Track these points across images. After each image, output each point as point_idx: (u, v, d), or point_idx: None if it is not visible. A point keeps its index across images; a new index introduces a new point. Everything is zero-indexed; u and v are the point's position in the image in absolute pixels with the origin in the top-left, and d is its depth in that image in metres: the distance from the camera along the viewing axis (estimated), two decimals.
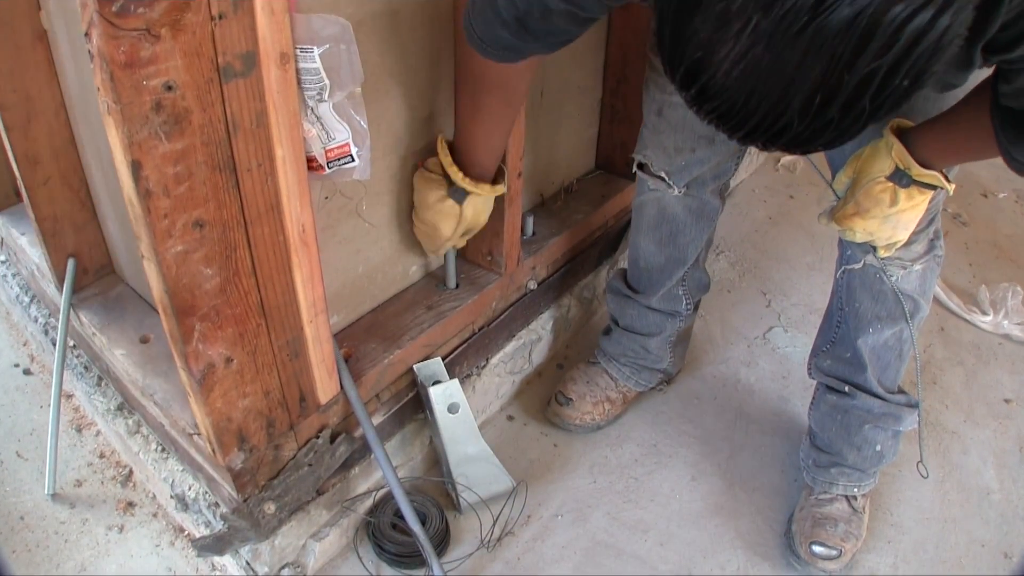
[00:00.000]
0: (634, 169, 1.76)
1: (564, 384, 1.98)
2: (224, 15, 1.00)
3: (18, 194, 2.04)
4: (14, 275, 2.14)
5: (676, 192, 1.72)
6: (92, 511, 1.76)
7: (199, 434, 1.36)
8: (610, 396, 1.96)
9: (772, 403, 2.05)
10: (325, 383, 1.42)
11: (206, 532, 1.53)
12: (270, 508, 1.42)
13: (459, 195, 1.54)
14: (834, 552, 1.64)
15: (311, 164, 1.20)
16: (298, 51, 1.10)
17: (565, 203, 2.11)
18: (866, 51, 0.69)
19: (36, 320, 2.02)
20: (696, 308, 1.98)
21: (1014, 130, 1.04)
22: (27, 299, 2.06)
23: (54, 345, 1.91)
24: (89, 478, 1.83)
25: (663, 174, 1.70)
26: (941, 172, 1.25)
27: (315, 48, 1.10)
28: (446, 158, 1.52)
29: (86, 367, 1.86)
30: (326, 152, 1.20)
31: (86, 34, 0.92)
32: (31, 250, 1.88)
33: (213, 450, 1.31)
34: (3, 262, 2.19)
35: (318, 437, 1.46)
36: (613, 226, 2.20)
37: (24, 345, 2.18)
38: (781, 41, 0.70)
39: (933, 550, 1.73)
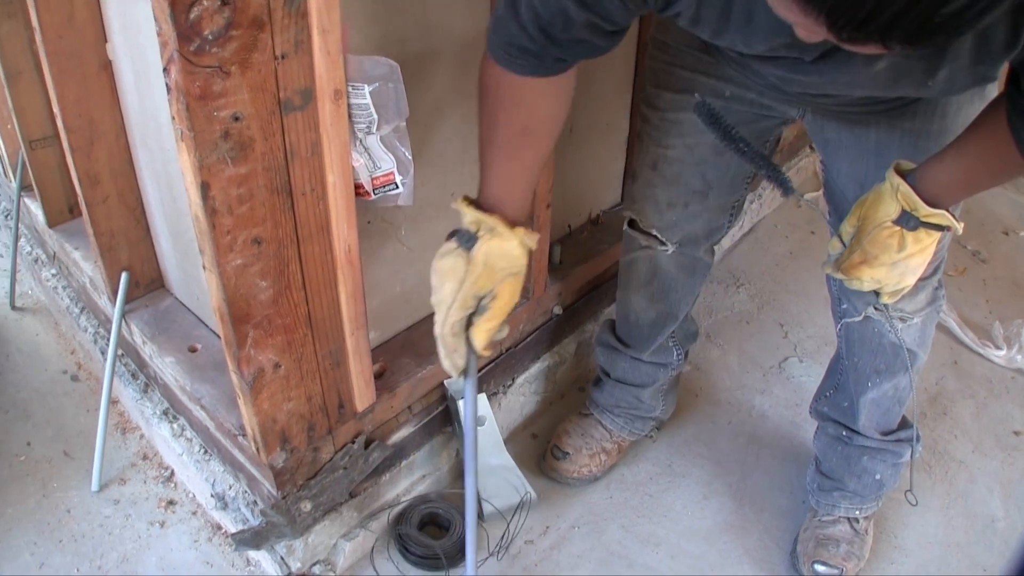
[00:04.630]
0: (624, 226, 1.79)
1: (559, 437, 2.02)
2: (286, 55, 1.15)
3: (72, 211, 2.21)
4: (64, 288, 2.31)
5: (669, 251, 1.73)
6: (135, 507, 1.90)
7: (244, 435, 1.50)
8: (606, 447, 2.00)
9: (784, 429, 2.17)
10: (363, 392, 1.56)
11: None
12: (306, 506, 1.56)
13: (467, 239, 1.31)
14: (835, 571, 1.74)
15: (359, 190, 1.35)
16: (350, 88, 1.25)
17: (591, 234, 2.25)
18: None
19: (86, 330, 2.17)
20: (686, 356, 2.03)
21: None
22: (77, 310, 2.22)
23: (102, 354, 2.07)
24: (132, 477, 1.97)
25: (654, 231, 1.71)
26: (948, 211, 1.24)
27: (366, 86, 1.25)
28: (460, 201, 1.35)
29: (133, 375, 2.01)
30: (372, 180, 1.35)
31: (165, 69, 1.07)
32: (84, 264, 2.04)
33: (257, 449, 1.45)
34: (54, 275, 2.36)
35: (354, 442, 1.60)
36: None
37: (72, 353, 2.34)
38: None
39: (935, 572, 1.83)
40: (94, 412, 2.11)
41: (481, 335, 1.34)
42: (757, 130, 1.55)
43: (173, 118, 1.11)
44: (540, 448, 2.05)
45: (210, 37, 1.06)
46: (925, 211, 1.22)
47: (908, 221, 1.24)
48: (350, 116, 1.27)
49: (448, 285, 1.30)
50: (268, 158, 1.19)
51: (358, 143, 1.31)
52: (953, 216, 1.24)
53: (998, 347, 2.43)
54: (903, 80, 1.12)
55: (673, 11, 1.13)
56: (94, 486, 1.93)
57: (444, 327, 1.32)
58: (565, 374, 2.23)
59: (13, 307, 2.51)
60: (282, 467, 1.48)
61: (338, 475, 1.59)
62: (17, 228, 2.42)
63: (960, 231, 1.27)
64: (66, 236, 2.15)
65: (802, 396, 2.25)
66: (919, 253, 1.27)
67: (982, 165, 1.20)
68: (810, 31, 0.80)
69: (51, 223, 2.18)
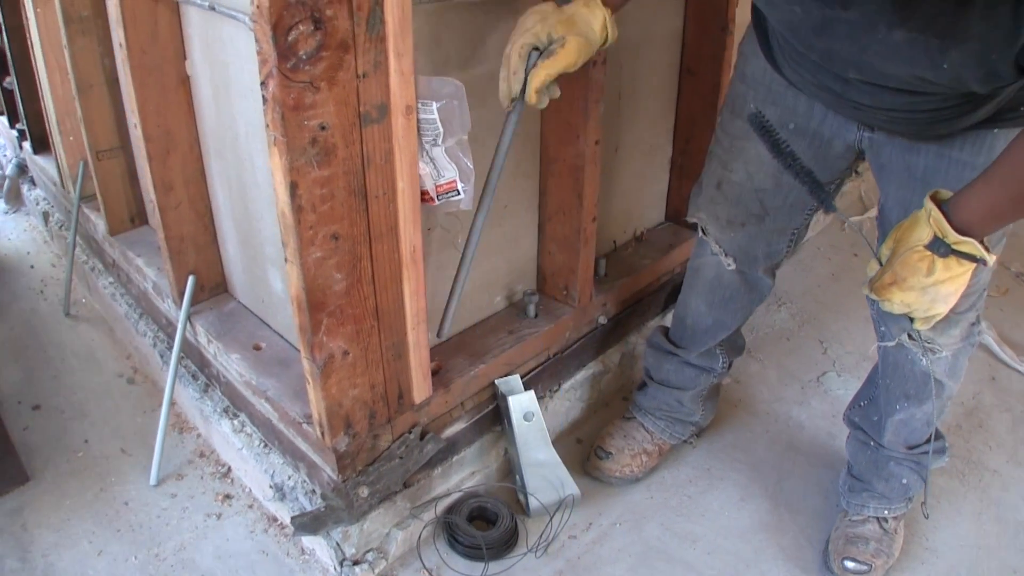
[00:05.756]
0: (700, 234, 2.01)
1: (602, 439, 2.25)
2: (366, 74, 1.40)
3: (133, 221, 2.46)
4: (123, 295, 2.56)
5: (730, 266, 1.98)
6: (192, 501, 2.13)
7: (309, 422, 1.73)
8: (647, 448, 2.23)
9: (821, 438, 2.37)
10: (420, 385, 1.79)
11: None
12: (364, 492, 1.78)
13: (564, 1, 1.55)
14: (864, 567, 1.93)
15: (424, 196, 1.59)
16: (420, 104, 1.50)
17: (635, 250, 2.49)
18: None
19: (144, 335, 2.42)
20: (730, 367, 2.26)
21: None
22: (136, 316, 2.47)
23: (161, 357, 2.31)
24: (189, 473, 2.20)
25: (715, 241, 1.97)
26: (981, 242, 1.31)
27: (434, 103, 1.50)
28: None
29: (193, 375, 2.25)
30: (437, 187, 1.59)
31: (263, 83, 1.32)
32: (147, 270, 2.29)
33: (322, 433, 1.68)
34: (111, 283, 2.61)
35: (410, 433, 1.83)
36: (679, 273, 2.54)
37: (128, 358, 2.59)
38: None
39: (966, 573, 2.01)
40: (150, 413, 2.36)
41: (539, 74, 1.51)
42: (822, 167, 1.73)
43: (267, 125, 1.35)
44: (584, 452, 2.26)
45: (304, 56, 1.30)
46: (954, 238, 1.30)
47: (939, 247, 1.32)
48: (419, 129, 1.52)
49: (531, 19, 1.52)
50: (348, 163, 1.44)
51: (425, 153, 1.55)
52: (986, 248, 1.32)
53: None
54: (920, 58, 1.25)
55: None
56: (152, 480, 2.16)
57: (514, 47, 1.53)
58: (610, 383, 2.45)
59: (67, 314, 2.77)
60: (344, 451, 1.71)
61: (394, 464, 1.81)
62: (75, 238, 2.68)
63: (991, 263, 1.34)
64: (127, 244, 2.41)
65: (839, 408, 2.41)
66: (949, 281, 1.34)
67: (1007, 192, 1.29)
68: None
69: (113, 231, 2.44)
